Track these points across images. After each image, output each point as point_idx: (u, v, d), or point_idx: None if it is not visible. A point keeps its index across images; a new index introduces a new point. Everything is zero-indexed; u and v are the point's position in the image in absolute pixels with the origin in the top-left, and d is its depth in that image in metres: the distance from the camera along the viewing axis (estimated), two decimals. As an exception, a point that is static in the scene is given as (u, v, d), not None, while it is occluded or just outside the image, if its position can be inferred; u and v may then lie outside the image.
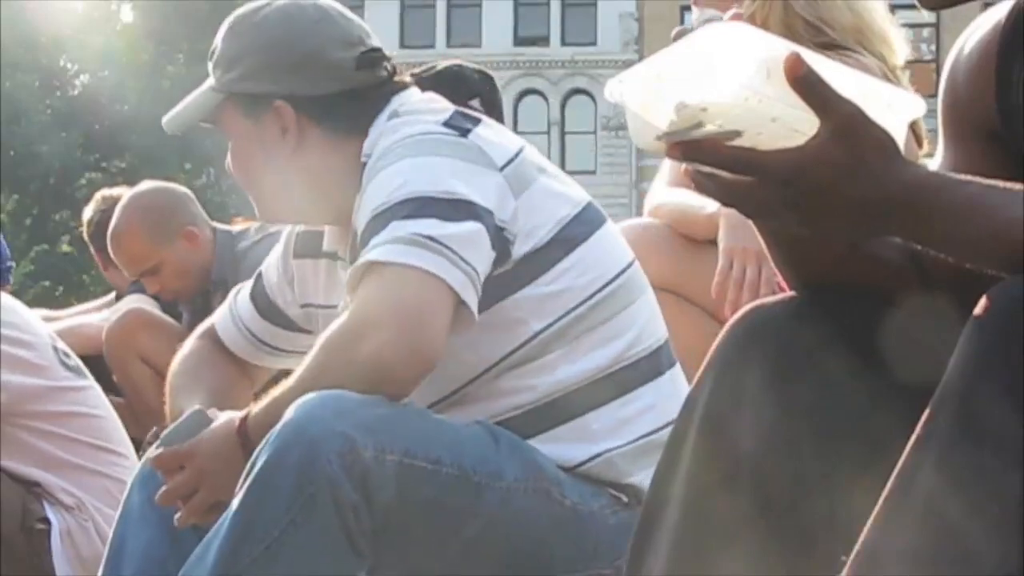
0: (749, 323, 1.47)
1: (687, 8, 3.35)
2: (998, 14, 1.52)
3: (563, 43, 33.35)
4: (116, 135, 23.95)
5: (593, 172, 30.24)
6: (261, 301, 2.37)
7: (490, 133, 2.14)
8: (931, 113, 1.56)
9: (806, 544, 1.40)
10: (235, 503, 1.89)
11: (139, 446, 3.55)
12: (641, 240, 2.33)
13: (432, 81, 2.30)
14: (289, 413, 1.89)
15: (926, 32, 27.63)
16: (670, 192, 3.02)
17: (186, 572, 1.91)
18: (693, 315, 2.85)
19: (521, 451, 2.05)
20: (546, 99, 33.25)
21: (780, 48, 1.28)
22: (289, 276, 2.34)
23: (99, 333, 4.38)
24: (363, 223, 2.05)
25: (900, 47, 2.99)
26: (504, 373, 2.10)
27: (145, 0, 25.01)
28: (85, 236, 4.85)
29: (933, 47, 27.83)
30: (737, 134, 1.28)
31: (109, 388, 3.70)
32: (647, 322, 2.18)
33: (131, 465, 3.24)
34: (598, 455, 2.10)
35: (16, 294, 4.21)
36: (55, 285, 22.98)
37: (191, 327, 4.22)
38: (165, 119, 2.27)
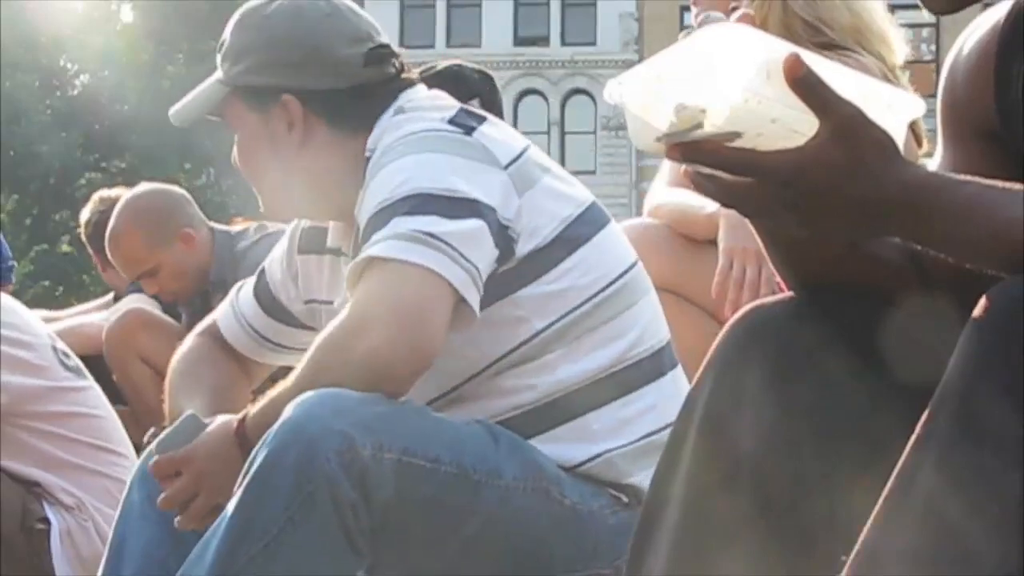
0: (749, 323, 1.47)
1: (687, 8, 3.34)
2: (997, 14, 1.52)
3: (563, 43, 33.34)
4: (116, 135, 23.96)
5: (593, 172, 30.24)
6: (264, 297, 2.37)
7: (495, 131, 2.14)
8: (931, 113, 1.56)
9: (806, 544, 1.40)
10: (233, 502, 1.89)
11: (140, 449, 3.55)
12: (641, 240, 2.32)
13: (432, 81, 2.30)
14: (287, 412, 1.89)
15: (926, 32, 27.65)
16: (670, 192, 3.02)
17: (185, 571, 1.91)
18: (693, 315, 2.85)
19: (521, 450, 2.05)
20: (546, 99, 33.25)
21: (780, 49, 1.28)
22: (293, 272, 2.34)
23: (99, 333, 4.38)
24: (365, 219, 2.05)
25: (899, 47, 2.98)
26: (505, 371, 2.10)
27: (145, 0, 25.01)
28: (83, 237, 4.86)
29: (933, 47, 27.84)
30: (737, 135, 1.28)
31: (109, 388, 3.70)
32: (650, 323, 2.18)
33: (131, 465, 3.24)
34: (598, 455, 2.10)
35: (16, 294, 4.21)
36: (55, 285, 22.99)
37: (190, 328, 4.21)
38: (172, 111, 2.27)
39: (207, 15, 22.91)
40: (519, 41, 33.34)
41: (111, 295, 5.02)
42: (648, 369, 2.15)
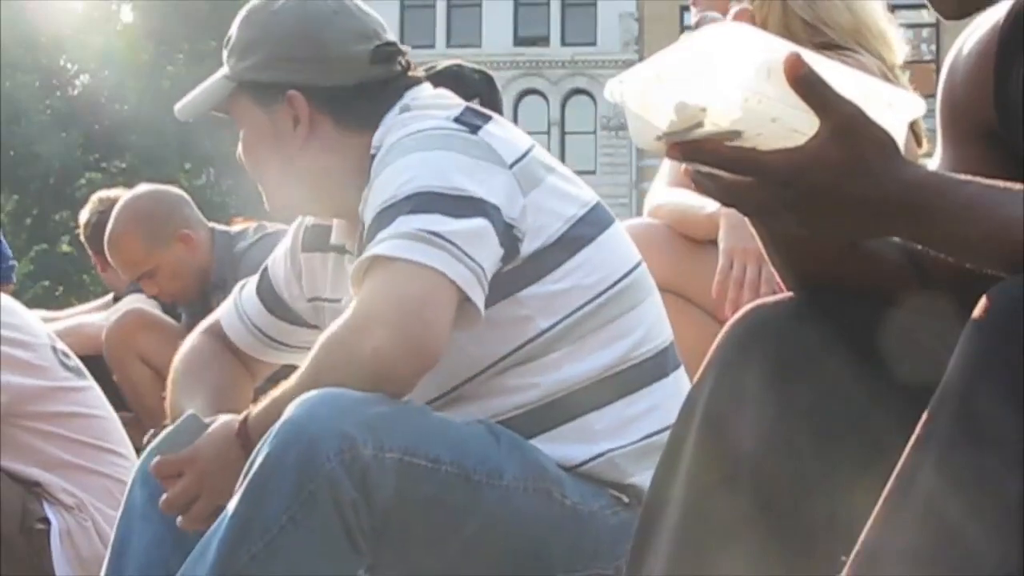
0: (749, 323, 1.47)
1: (687, 8, 3.35)
2: (997, 14, 1.52)
3: (563, 43, 33.34)
4: (116, 135, 23.96)
5: (593, 172, 30.25)
6: (268, 296, 2.37)
7: (500, 130, 2.14)
8: (931, 113, 1.56)
9: (806, 544, 1.40)
10: (234, 501, 1.89)
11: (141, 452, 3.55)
12: (641, 240, 2.32)
13: (432, 81, 2.30)
14: (288, 411, 1.89)
15: (926, 32, 27.64)
16: (670, 192, 3.02)
17: (186, 570, 1.91)
18: (694, 315, 2.85)
19: (522, 450, 2.05)
20: (546, 99, 33.25)
21: (780, 48, 1.28)
22: (297, 270, 2.34)
23: (99, 333, 4.39)
24: (370, 217, 2.05)
25: (899, 46, 2.99)
26: (508, 370, 2.10)
27: (145, 0, 25.01)
28: (82, 238, 4.86)
29: (933, 47, 27.84)
30: (737, 134, 1.28)
31: (109, 389, 3.70)
32: (653, 323, 2.18)
33: (131, 465, 3.24)
34: (600, 455, 2.10)
35: (16, 294, 4.21)
36: (55, 285, 22.99)
37: (190, 328, 4.22)
38: (178, 106, 2.27)
39: (207, 15, 22.91)
40: (519, 41, 33.34)
41: (111, 295, 5.02)
42: (651, 369, 2.15)
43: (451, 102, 2.19)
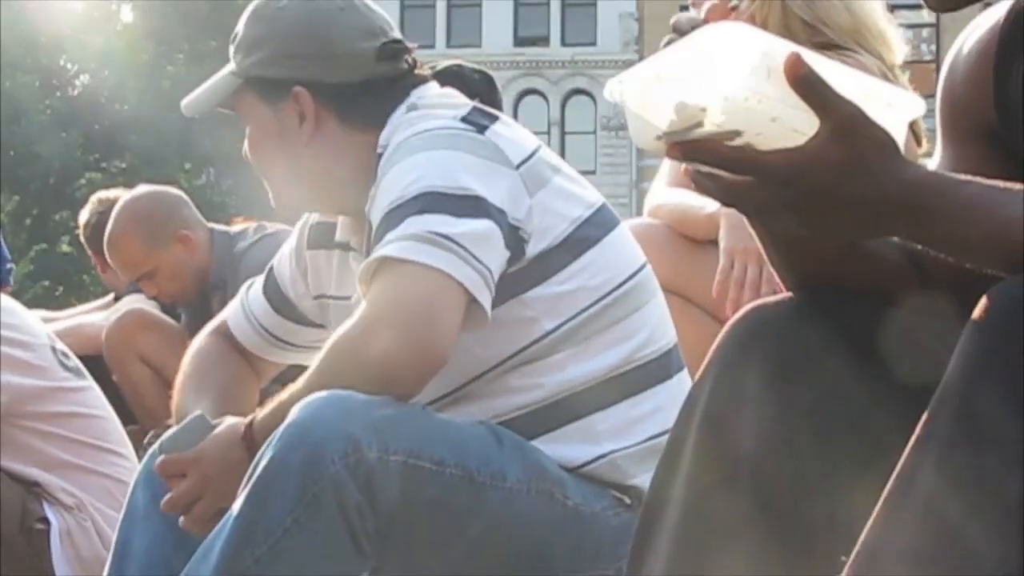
0: (749, 323, 1.47)
1: (687, 8, 3.35)
2: (997, 14, 1.52)
3: (563, 43, 33.34)
4: (116, 135, 23.95)
5: (593, 172, 30.25)
6: (274, 295, 2.37)
7: (507, 130, 2.13)
8: (931, 113, 1.56)
9: (806, 544, 1.40)
10: (238, 502, 1.88)
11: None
12: (642, 240, 2.32)
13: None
14: (293, 413, 1.89)
15: (926, 32, 27.64)
16: (670, 192, 3.02)
17: (189, 570, 1.91)
18: (694, 315, 2.85)
19: (524, 452, 2.05)
20: (546, 99, 33.25)
21: (780, 48, 1.28)
22: (303, 268, 2.34)
23: (99, 333, 4.39)
24: (378, 217, 2.04)
25: (898, 46, 2.99)
26: (513, 370, 2.09)
27: (145, 0, 25.01)
28: (82, 238, 4.87)
29: (933, 47, 27.83)
30: (737, 134, 1.28)
31: (109, 389, 3.70)
32: (658, 325, 2.17)
33: (131, 465, 3.25)
34: (602, 456, 2.10)
35: (16, 294, 4.22)
36: (55, 285, 22.99)
37: (189, 328, 4.24)
38: (184, 102, 2.27)
39: (207, 15, 22.92)
40: (519, 41, 33.35)
41: (111, 295, 5.02)
42: (655, 371, 2.15)
43: (458, 101, 2.19)
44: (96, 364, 3.87)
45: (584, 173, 2.24)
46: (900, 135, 1.33)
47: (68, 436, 3.20)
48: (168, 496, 2.06)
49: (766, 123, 1.28)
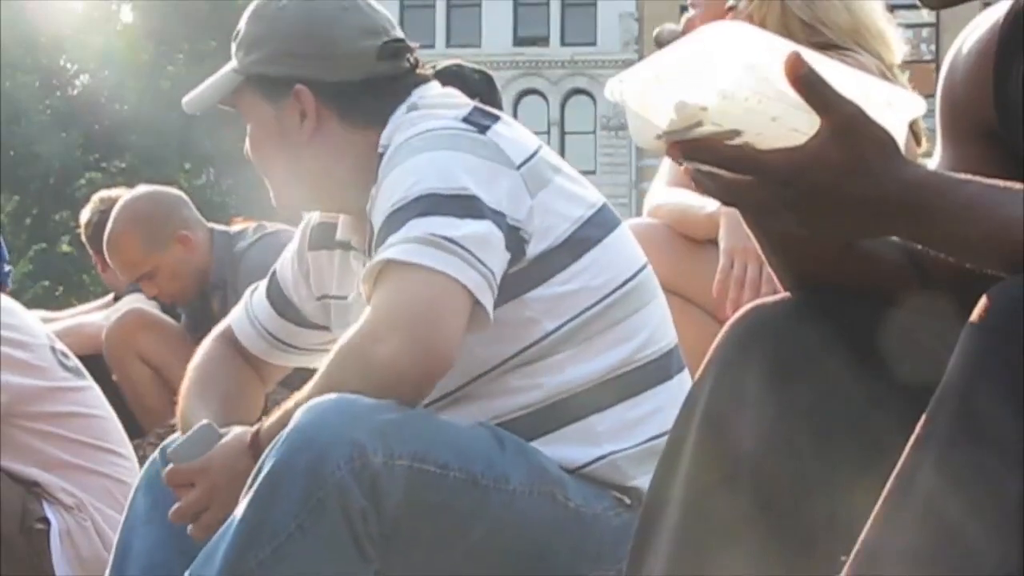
0: (749, 322, 1.47)
1: (686, 8, 3.35)
2: (996, 14, 1.52)
3: (563, 43, 33.35)
4: (116, 135, 23.94)
5: (593, 172, 30.24)
6: (277, 299, 2.37)
7: (508, 131, 2.13)
8: (931, 113, 1.56)
9: (806, 544, 1.40)
10: (242, 506, 1.88)
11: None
12: (641, 240, 2.32)
13: (433, 81, 2.30)
14: (297, 417, 1.89)
15: (926, 32, 27.63)
16: (670, 192, 3.02)
17: (193, 572, 1.91)
18: (694, 315, 2.85)
19: (526, 455, 2.05)
20: (546, 99, 33.25)
21: (780, 48, 1.28)
22: (305, 270, 2.34)
23: (99, 333, 4.39)
24: (380, 219, 2.04)
25: (897, 46, 2.99)
26: (513, 371, 2.09)
27: (145, 0, 25.01)
28: (83, 238, 4.87)
29: (933, 47, 27.83)
30: (737, 133, 1.28)
31: (109, 388, 3.70)
32: (658, 325, 2.17)
33: (131, 465, 3.25)
34: (602, 457, 2.10)
35: (16, 294, 4.22)
36: (55, 285, 22.98)
37: (189, 328, 4.25)
38: (185, 99, 2.27)
39: (207, 15, 22.90)
40: (519, 41, 33.35)
41: (111, 295, 5.02)
42: (655, 372, 2.15)
43: (459, 101, 2.19)
44: (96, 364, 3.87)
45: (584, 173, 2.24)
46: (900, 135, 1.33)
47: (68, 436, 3.20)
48: (176, 506, 2.06)
49: (766, 122, 1.28)
